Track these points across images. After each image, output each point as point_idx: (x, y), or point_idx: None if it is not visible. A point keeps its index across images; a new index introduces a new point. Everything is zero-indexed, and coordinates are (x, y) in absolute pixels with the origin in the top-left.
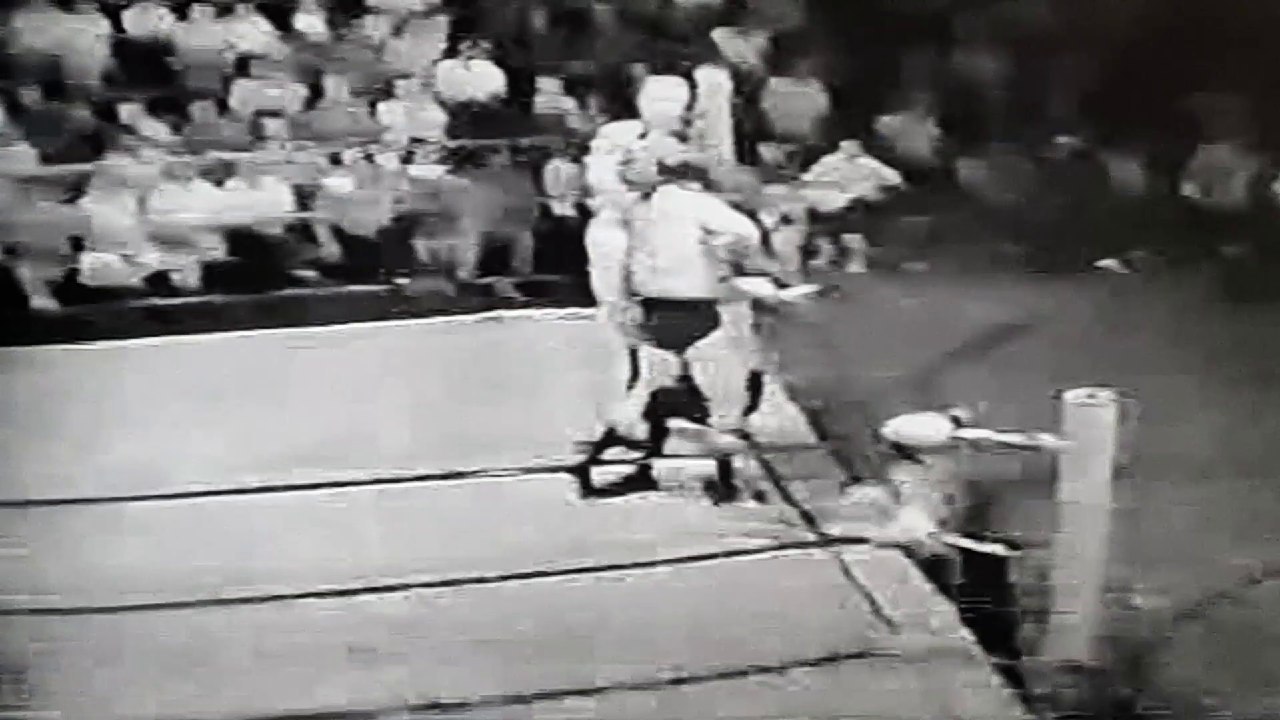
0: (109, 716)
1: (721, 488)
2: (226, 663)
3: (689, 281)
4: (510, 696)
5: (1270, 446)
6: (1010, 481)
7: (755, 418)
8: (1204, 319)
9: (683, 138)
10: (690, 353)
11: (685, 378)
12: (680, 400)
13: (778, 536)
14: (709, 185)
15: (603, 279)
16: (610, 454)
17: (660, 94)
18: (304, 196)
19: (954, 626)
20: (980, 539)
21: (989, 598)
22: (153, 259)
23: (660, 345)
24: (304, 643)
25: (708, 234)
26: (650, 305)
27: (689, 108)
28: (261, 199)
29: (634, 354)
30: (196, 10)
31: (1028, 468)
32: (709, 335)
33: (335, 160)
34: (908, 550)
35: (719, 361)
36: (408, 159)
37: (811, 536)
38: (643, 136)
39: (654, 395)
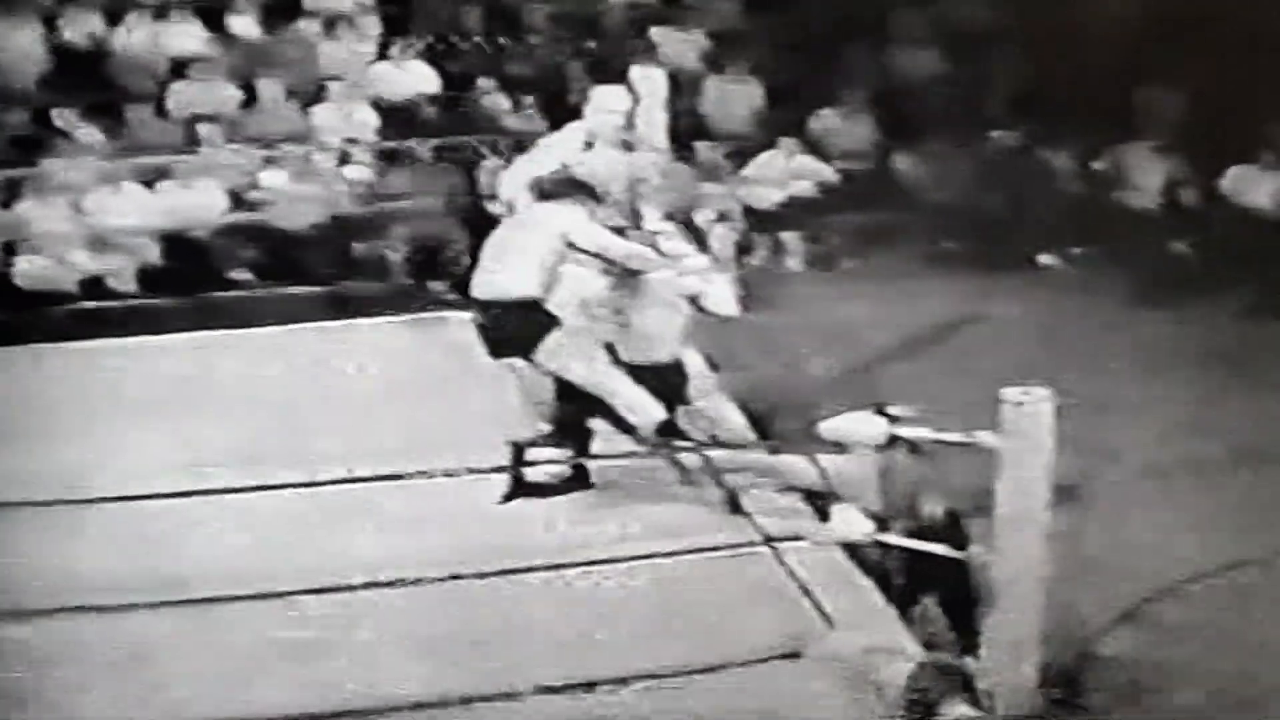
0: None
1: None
2: (162, 665)
3: (517, 279)
4: (444, 698)
5: (1213, 444)
6: (954, 480)
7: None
8: (1145, 316)
9: (629, 147)
10: (538, 356)
11: None
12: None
13: (715, 534)
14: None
15: None
16: (540, 455)
17: (607, 104)
18: (239, 199)
19: (891, 625)
20: (921, 538)
21: (930, 596)
22: (88, 262)
23: (496, 353)
24: (240, 644)
25: (570, 247)
26: (483, 308)
27: (629, 115)
28: (196, 201)
29: None
30: (132, 14)
31: (971, 465)
32: (548, 336)
33: (270, 162)
34: (847, 548)
35: (573, 357)
36: (342, 160)
37: (750, 535)
38: (589, 147)
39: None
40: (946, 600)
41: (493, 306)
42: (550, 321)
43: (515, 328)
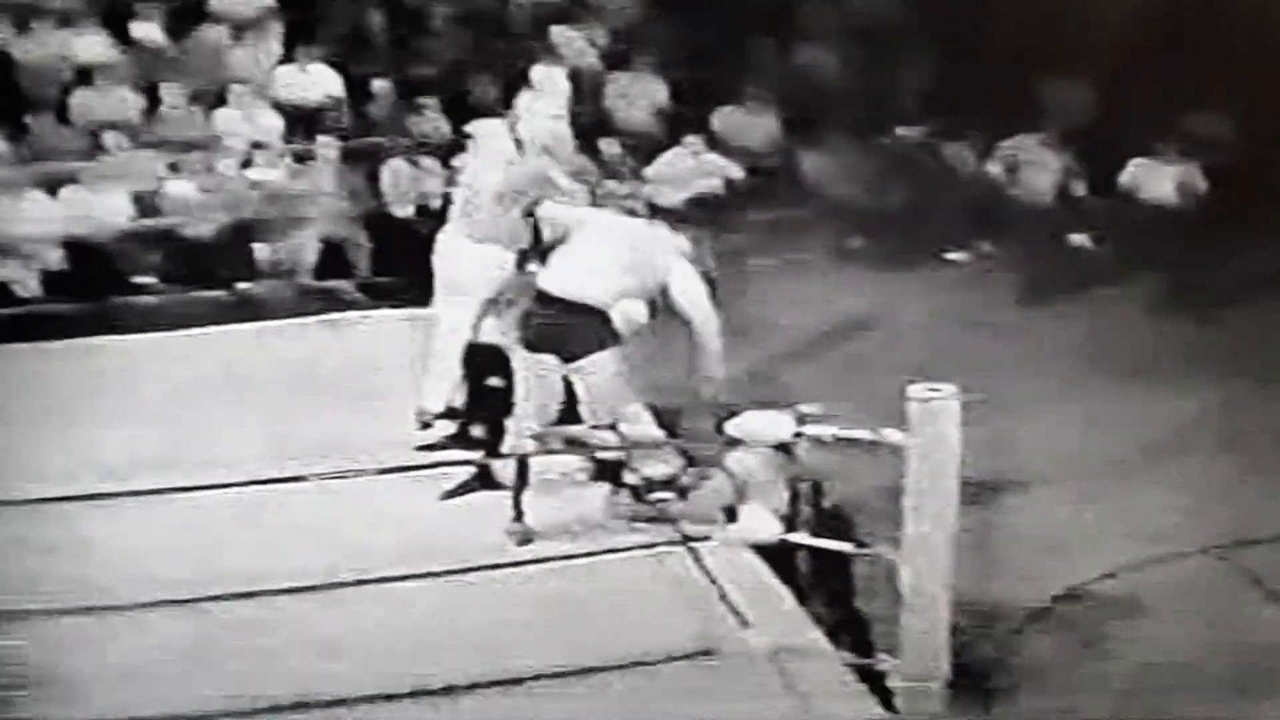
0: None
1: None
2: (74, 672)
3: (599, 284)
4: (359, 698)
5: (1119, 441)
6: (862, 479)
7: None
8: (1053, 311)
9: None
10: (580, 365)
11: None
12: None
13: (631, 534)
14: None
15: (453, 292)
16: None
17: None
18: (144, 204)
19: (805, 624)
20: (828, 536)
21: (839, 595)
22: None
23: (534, 348)
24: (152, 649)
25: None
26: (548, 303)
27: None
28: (101, 207)
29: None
30: (35, 22)
31: (881, 464)
32: (601, 351)
33: (175, 167)
34: (757, 547)
35: (607, 380)
36: (246, 163)
37: (660, 535)
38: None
39: (486, 392)
40: (856, 598)
41: (558, 303)
42: (609, 336)
43: (571, 329)
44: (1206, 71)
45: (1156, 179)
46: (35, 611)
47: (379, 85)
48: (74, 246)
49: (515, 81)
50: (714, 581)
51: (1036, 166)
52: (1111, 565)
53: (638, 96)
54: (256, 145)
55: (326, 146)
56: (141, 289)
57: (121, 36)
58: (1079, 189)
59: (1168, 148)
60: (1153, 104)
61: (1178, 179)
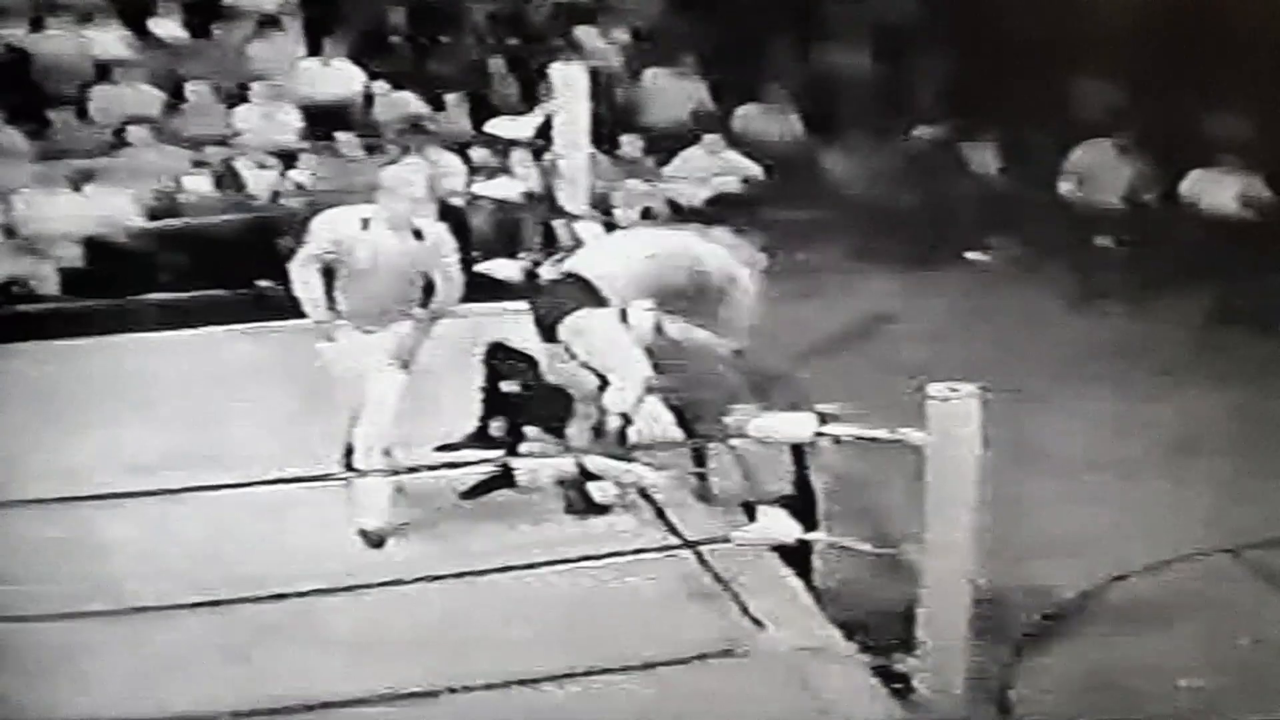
0: None
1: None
2: (90, 673)
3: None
4: (375, 697)
5: (1134, 443)
6: (882, 477)
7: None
8: (1072, 312)
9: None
10: (561, 331)
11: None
12: (539, 404)
13: (644, 538)
14: None
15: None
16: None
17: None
18: (164, 201)
19: (822, 623)
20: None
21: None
22: (10, 265)
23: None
24: (169, 650)
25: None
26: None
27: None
28: (122, 204)
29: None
30: (55, 19)
31: (899, 463)
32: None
33: (196, 164)
34: (773, 547)
35: (595, 331)
36: (266, 162)
37: (675, 538)
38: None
39: (509, 397)
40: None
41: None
42: (584, 299)
43: (551, 302)
44: (1251, 76)
45: (1217, 189)
46: (51, 613)
47: (400, 82)
48: (94, 243)
49: (535, 80)
50: (730, 582)
51: (1108, 172)
52: (1131, 565)
53: (659, 96)
54: (282, 150)
55: (347, 144)
56: (161, 286)
57: (141, 33)
58: (1147, 196)
59: (1228, 157)
60: (1194, 108)
61: (1239, 189)
